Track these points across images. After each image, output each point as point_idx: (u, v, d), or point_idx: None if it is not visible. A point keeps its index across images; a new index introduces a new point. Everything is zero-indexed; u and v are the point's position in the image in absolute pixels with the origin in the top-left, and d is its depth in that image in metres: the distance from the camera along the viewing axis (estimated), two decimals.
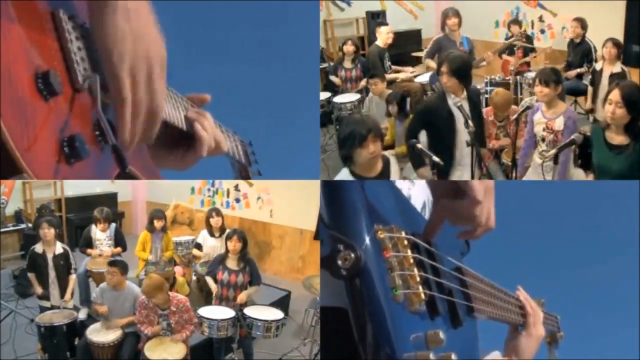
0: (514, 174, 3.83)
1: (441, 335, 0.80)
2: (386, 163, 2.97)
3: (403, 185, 1.07)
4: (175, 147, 1.12)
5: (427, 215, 1.07)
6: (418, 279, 0.85)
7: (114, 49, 0.81)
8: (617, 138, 3.15)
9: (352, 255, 0.78)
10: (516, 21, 6.61)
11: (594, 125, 3.43)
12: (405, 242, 0.87)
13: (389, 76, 5.64)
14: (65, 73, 0.79)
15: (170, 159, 1.11)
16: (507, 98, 4.52)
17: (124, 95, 0.82)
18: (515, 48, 5.90)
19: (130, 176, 0.89)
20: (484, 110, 4.67)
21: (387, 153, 4.77)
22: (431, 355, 0.77)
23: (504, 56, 6.24)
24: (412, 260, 0.86)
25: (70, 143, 0.75)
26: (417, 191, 1.09)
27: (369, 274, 0.79)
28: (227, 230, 4.61)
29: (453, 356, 0.78)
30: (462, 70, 3.53)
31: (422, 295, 0.84)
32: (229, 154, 1.25)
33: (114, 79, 0.82)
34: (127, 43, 0.82)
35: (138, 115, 0.85)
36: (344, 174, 2.92)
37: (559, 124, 3.62)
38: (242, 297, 4.04)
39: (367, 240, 0.81)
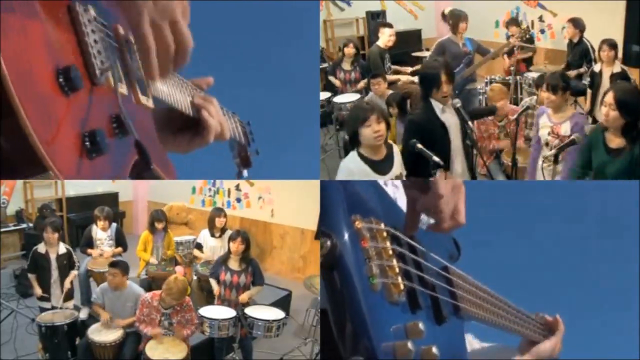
0: (514, 174, 3.83)
1: (421, 326, 0.79)
2: (390, 147, 2.98)
3: (388, 188, 1.07)
4: (182, 131, 1.14)
5: None
6: (397, 270, 0.84)
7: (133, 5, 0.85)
8: (616, 140, 3.12)
9: (329, 242, 0.78)
10: (514, 21, 6.60)
11: (595, 127, 3.39)
12: (385, 234, 0.87)
13: (390, 77, 5.65)
14: (83, 67, 0.79)
15: (176, 143, 1.14)
16: (499, 89, 4.51)
17: (148, 45, 0.87)
18: (515, 49, 5.90)
19: (152, 175, 0.90)
20: None
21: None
22: (409, 344, 0.75)
23: (505, 56, 6.25)
24: (390, 252, 0.85)
25: (92, 138, 0.75)
26: (402, 194, 1.10)
27: (345, 263, 0.79)
28: (230, 231, 4.60)
29: (434, 349, 0.78)
30: (454, 75, 3.43)
31: (401, 286, 0.83)
32: (230, 137, 1.27)
33: (137, 31, 0.87)
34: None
35: (167, 53, 0.90)
36: (352, 157, 2.92)
37: (565, 129, 3.55)
38: (243, 297, 4.05)
39: (345, 230, 0.82)
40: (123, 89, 0.88)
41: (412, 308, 0.87)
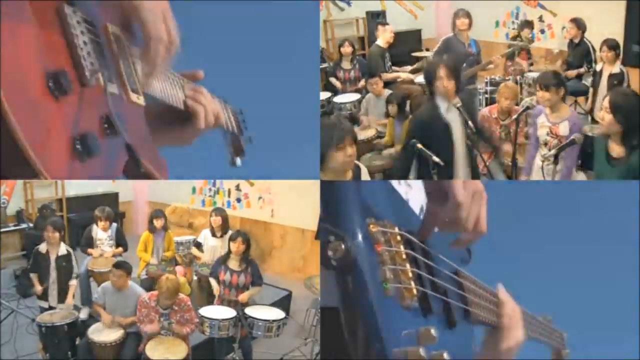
0: (514, 174, 3.82)
1: (433, 332, 0.78)
2: (357, 172, 2.82)
3: (400, 189, 1.06)
4: (173, 123, 1.15)
5: None
6: (410, 274, 0.84)
7: None
8: (616, 149, 3.10)
9: (342, 246, 0.77)
10: (528, 23, 6.55)
11: (600, 133, 3.35)
12: (398, 237, 0.86)
13: (389, 75, 5.65)
14: (72, 69, 0.79)
15: (169, 135, 1.15)
16: (512, 88, 4.56)
17: (159, 34, 0.91)
18: (517, 51, 5.91)
19: (144, 175, 0.90)
20: (488, 108, 4.69)
21: (386, 152, 4.81)
22: (421, 351, 0.75)
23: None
24: (404, 256, 0.85)
25: (83, 140, 0.75)
26: (415, 194, 1.08)
27: (359, 267, 0.78)
28: (231, 232, 4.61)
29: (445, 355, 0.77)
30: (459, 71, 3.40)
31: (414, 291, 0.83)
32: (223, 126, 1.27)
33: (147, 23, 0.90)
34: None
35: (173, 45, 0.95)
36: None
37: (563, 129, 3.56)
38: (243, 297, 4.05)
39: (359, 233, 0.80)
40: (113, 88, 0.88)
41: (424, 312, 0.87)
